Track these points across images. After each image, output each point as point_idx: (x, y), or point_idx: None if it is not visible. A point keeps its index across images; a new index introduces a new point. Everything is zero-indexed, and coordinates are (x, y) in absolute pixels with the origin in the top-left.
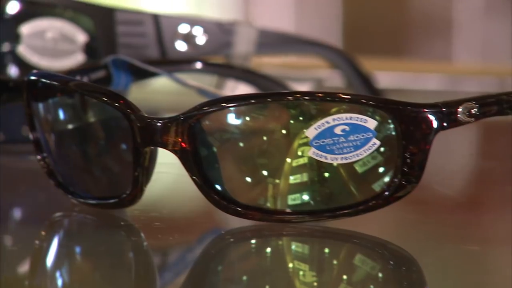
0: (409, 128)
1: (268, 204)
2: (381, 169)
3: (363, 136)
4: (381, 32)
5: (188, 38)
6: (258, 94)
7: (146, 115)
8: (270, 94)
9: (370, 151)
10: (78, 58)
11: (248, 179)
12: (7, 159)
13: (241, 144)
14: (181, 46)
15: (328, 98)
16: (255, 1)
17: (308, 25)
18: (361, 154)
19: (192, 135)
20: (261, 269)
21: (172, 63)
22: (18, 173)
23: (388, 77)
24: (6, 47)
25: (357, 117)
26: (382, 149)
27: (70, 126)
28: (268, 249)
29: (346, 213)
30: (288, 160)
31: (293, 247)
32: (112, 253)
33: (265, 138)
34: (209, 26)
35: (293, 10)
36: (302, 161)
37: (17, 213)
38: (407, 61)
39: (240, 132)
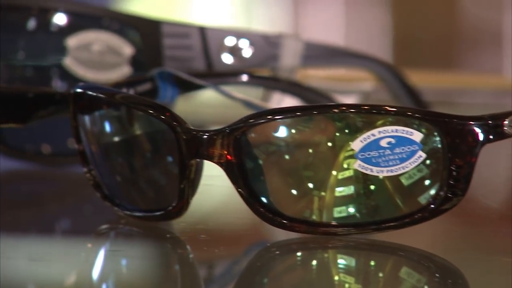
0: (455, 141)
1: (314, 217)
2: (427, 182)
3: (409, 148)
4: (430, 45)
5: (234, 51)
6: (304, 106)
7: (192, 127)
8: (316, 107)
9: (416, 163)
10: (124, 71)
11: (294, 192)
12: (54, 171)
13: (287, 157)
14: (227, 58)
15: (374, 111)
16: (305, 14)
17: (357, 38)
18: (407, 167)
19: (238, 148)
20: (307, 282)
21: (218, 76)
22: (64, 185)
23: (437, 90)
24: (52, 59)
25: (403, 130)
26: (428, 161)
27: (116, 139)
28: (314, 262)
29: (392, 225)
30: (334, 172)
31: (338, 259)
32: (158, 266)
33: (310, 150)
34: (255, 39)
35: (343, 23)
36: (347, 173)
37: (64, 225)
38: (456, 74)
39: (286, 145)
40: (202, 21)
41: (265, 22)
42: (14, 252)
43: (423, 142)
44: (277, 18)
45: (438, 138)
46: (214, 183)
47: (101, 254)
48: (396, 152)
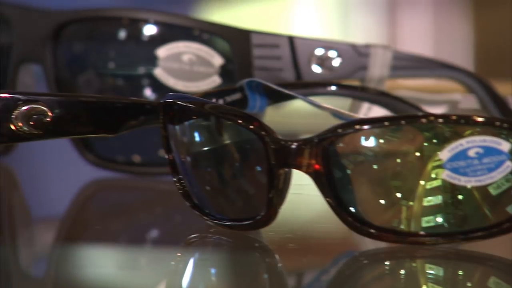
0: None
1: (402, 226)
2: None
3: (497, 158)
4: None
5: (323, 61)
6: (392, 116)
7: (280, 137)
8: (404, 117)
9: (504, 173)
10: (214, 81)
11: (382, 201)
12: (144, 181)
13: (375, 166)
14: (316, 69)
15: (462, 121)
16: (401, 23)
17: (443, 49)
18: (494, 177)
19: (326, 157)
20: None
21: (306, 86)
22: (154, 195)
23: None
24: (143, 69)
25: (491, 140)
26: None
27: (205, 148)
28: (402, 271)
29: (480, 235)
30: (422, 182)
31: (427, 269)
32: (247, 275)
33: (398, 160)
34: (344, 49)
35: (431, 34)
36: (435, 183)
37: (153, 235)
38: None
39: (374, 154)
40: (298, 30)
41: (362, 33)
42: (104, 261)
43: (511, 152)
44: (374, 29)
45: None
46: (302, 192)
47: (190, 263)
48: (484, 162)
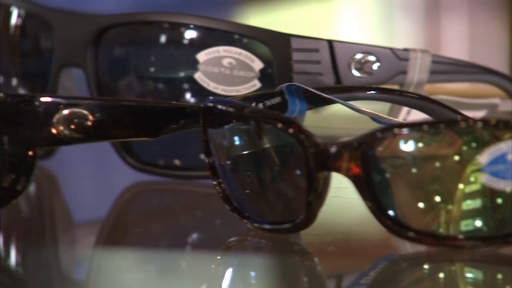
0: None
1: (441, 230)
2: None
3: None
4: None
5: (363, 65)
6: (431, 120)
7: (320, 141)
8: (443, 121)
9: None
10: (254, 85)
11: (421, 205)
12: (184, 184)
13: (414, 170)
14: (355, 73)
15: (501, 125)
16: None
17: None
18: None
19: (366, 161)
20: None
21: (346, 90)
22: (195, 198)
23: None
24: (183, 74)
25: None
26: None
27: (244, 152)
28: (441, 275)
29: None
30: (461, 186)
31: (466, 273)
32: (286, 278)
33: (437, 164)
34: (384, 53)
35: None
36: (474, 187)
37: (193, 238)
38: None
39: (413, 158)
40: (340, 34)
41: (406, 39)
42: (145, 264)
43: None
44: (417, 34)
45: None
46: (341, 195)
47: (230, 266)
48: None
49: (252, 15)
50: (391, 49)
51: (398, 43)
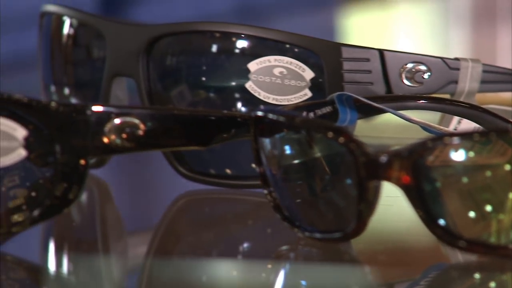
0: None
1: (492, 239)
2: None
3: None
4: None
5: (413, 75)
6: (482, 130)
7: (370, 150)
8: (493, 130)
9: None
10: (305, 94)
11: (472, 214)
12: (235, 193)
13: (465, 179)
14: (406, 82)
15: None
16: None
17: None
18: None
19: (416, 170)
20: None
21: (397, 99)
22: (246, 207)
23: None
24: (234, 83)
25: None
26: None
27: (295, 161)
28: (492, 284)
29: None
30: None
31: None
32: (337, 286)
33: (488, 173)
34: (434, 63)
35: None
36: None
37: (244, 246)
38: None
39: (463, 168)
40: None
41: (462, 49)
42: (196, 273)
43: None
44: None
45: None
46: (392, 204)
47: (281, 275)
48: None
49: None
50: (442, 59)
51: (453, 53)
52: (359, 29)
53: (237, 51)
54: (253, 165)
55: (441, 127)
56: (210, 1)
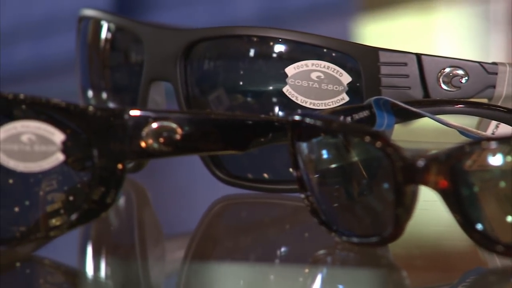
0: None
1: None
2: None
3: None
4: None
5: (451, 79)
6: None
7: (407, 154)
8: None
9: None
10: (342, 99)
11: (510, 219)
12: (273, 197)
13: (502, 184)
14: (444, 87)
15: None
16: None
17: None
18: None
19: (454, 174)
20: None
21: (434, 104)
22: (283, 211)
23: None
24: (271, 87)
25: None
26: None
27: (332, 165)
28: None
29: None
30: None
31: None
32: None
33: None
34: (472, 67)
35: None
36: None
37: (282, 251)
38: None
39: (501, 172)
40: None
41: (500, 50)
42: (234, 277)
43: None
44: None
45: None
46: (429, 208)
47: (318, 279)
48: None
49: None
50: (480, 63)
51: (491, 57)
52: (397, 34)
53: (274, 55)
54: (290, 170)
55: (479, 132)
56: (232, 6)
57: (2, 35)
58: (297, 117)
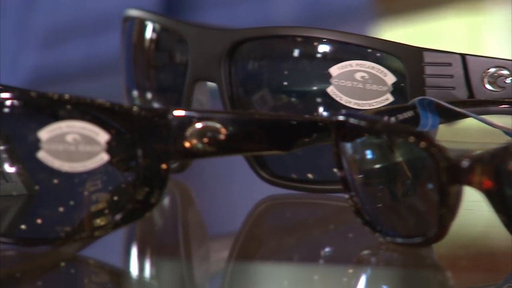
0: None
1: None
2: None
3: None
4: None
5: (496, 79)
6: None
7: (452, 155)
8: None
9: None
10: (386, 99)
11: None
12: (317, 197)
13: None
14: (488, 87)
15: None
16: None
17: None
18: None
19: (498, 175)
20: None
21: (479, 104)
22: (327, 211)
23: None
24: (315, 87)
25: None
26: None
27: (376, 166)
28: None
29: None
30: None
31: None
32: None
33: None
34: None
35: None
36: None
37: (326, 251)
38: None
39: None
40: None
41: None
42: (278, 278)
43: None
44: None
45: None
46: (474, 208)
47: (362, 280)
48: None
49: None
50: None
51: None
52: (443, 34)
53: (318, 55)
54: (334, 170)
55: None
56: (271, 7)
57: (50, 34)
58: (341, 117)
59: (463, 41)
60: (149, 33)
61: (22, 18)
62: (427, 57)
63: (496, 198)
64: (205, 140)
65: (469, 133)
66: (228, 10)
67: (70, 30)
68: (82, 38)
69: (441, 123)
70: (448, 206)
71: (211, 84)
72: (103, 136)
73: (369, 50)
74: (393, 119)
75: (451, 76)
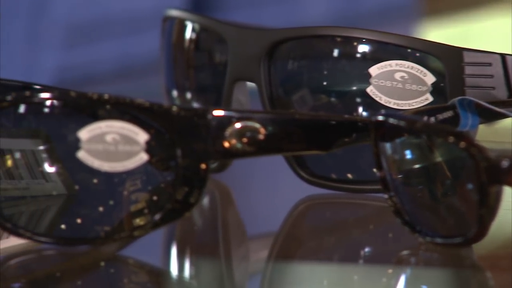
0: None
1: None
2: None
3: None
4: None
5: None
6: None
7: (492, 155)
8: None
9: None
10: (426, 99)
11: None
12: (356, 197)
13: None
14: None
15: None
16: None
17: None
18: None
19: None
20: None
21: None
22: (367, 211)
23: None
24: (355, 87)
25: None
26: None
27: (415, 166)
28: None
29: None
30: None
31: None
32: None
33: None
34: None
35: None
36: None
37: (365, 251)
38: None
39: None
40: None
41: None
42: (318, 277)
43: None
44: None
45: None
46: None
47: (402, 280)
48: None
49: (434, 29)
50: None
51: None
52: (487, 34)
53: (358, 55)
54: (374, 170)
55: None
56: (300, 7)
57: (86, 32)
58: (380, 117)
59: (507, 41)
60: (188, 33)
61: (38, 18)
62: (467, 57)
63: None
64: (244, 140)
65: (509, 133)
66: (253, 11)
67: (104, 30)
68: (116, 38)
69: (481, 123)
70: (488, 206)
71: (250, 84)
72: (142, 136)
73: (409, 50)
74: (432, 119)
75: (491, 76)
